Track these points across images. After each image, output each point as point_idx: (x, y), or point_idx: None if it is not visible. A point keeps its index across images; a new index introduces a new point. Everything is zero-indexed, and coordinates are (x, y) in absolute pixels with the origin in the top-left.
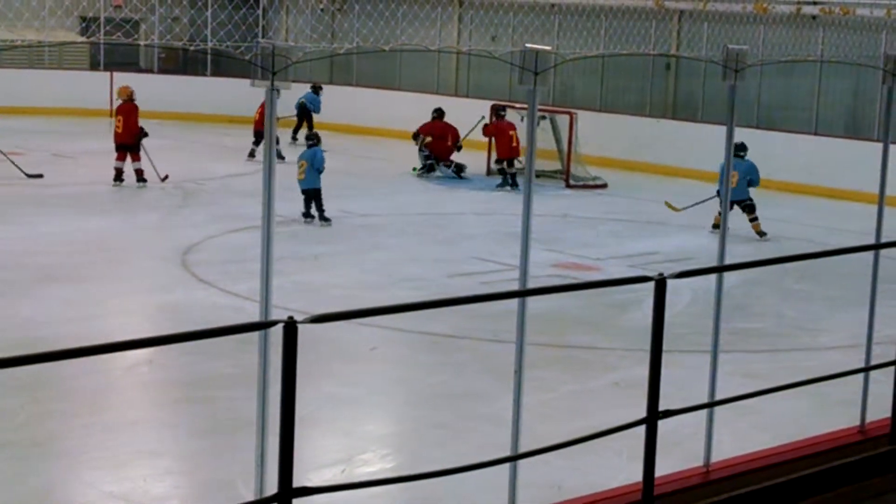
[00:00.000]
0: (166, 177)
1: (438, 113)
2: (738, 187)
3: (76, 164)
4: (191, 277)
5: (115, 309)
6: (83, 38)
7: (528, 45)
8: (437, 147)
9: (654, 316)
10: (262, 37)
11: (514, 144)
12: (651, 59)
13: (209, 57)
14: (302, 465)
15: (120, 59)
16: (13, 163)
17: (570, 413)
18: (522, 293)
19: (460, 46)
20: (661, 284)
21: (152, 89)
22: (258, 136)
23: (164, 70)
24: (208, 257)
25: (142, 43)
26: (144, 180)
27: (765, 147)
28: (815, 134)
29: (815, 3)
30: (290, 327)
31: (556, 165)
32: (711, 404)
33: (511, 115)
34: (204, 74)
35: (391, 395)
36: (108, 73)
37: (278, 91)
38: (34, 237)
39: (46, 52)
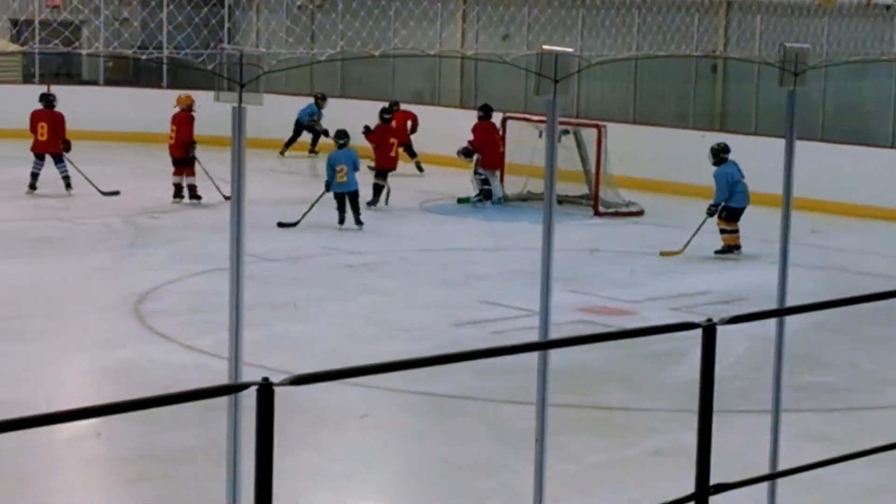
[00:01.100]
0: (229, 197)
1: (485, 111)
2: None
3: (2, 195)
4: (145, 331)
5: (53, 371)
6: (14, 46)
7: (547, 46)
8: (489, 159)
9: (702, 369)
10: (228, 42)
11: (394, 154)
12: (694, 61)
13: (164, 66)
14: None
15: (58, 69)
16: (88, 180)
17: (602, 488)
18: (543, 345)
19: (465, 50)
20: (710, 332)
21: (97, 105)
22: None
23: (110, 82)
24: (166, 306)
25: (84, 51)
26: (198, 197)
27: (832, 163)
28: (892, 147)
29: None
30: (265, 390)
31: (583, 189)
32: (773, 476)
33: (527, 130)
34: (159, 86)
35: (386, 470)
36: (44, 87)
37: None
38: None
39: None
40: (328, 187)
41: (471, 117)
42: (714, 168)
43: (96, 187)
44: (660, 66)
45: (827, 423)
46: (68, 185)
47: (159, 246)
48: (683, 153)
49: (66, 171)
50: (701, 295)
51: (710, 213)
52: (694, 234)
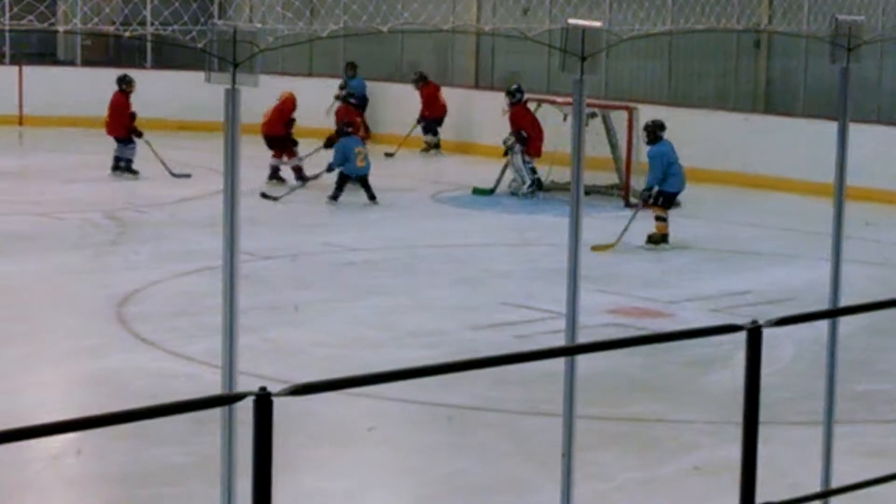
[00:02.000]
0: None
1: (522, 93)
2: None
3: None
4: (130, 336)
5: (30, 381)
6: None
7: (572, 20)
8: (535, 146)
9: (746, 377)
10: (220, 17)
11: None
12: (735, 36)
13: (149, 44)
14: None
15: (33, 49)
16: (162, 162)
17: None
18: (570, 350)
19: (481, 25)
20: (754, 335)
21: (74, 87)
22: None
23: (89, 62)
24: (152, 309)
25: (60, 28)
26: (304, 178)
27: (888, 148)
28: None
29: None
30: (263, 401)
31: (612, 178)
32: (825, 494)
33: (551, 113)
34: (142, 67)
35: (394, 489)
36: (15, 68)
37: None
38: None
39: None
40: (330, 168)
41: (487, 98)
42: (647, 147)
43: (167, 168)
44: (697, 41)
45: (883, 435)
46: (129, 170)
47: (144, 243)
48: (724, 138)
49: (131, 155)
50: (743, 294)
51: (645, 199)
52: (629, 223)
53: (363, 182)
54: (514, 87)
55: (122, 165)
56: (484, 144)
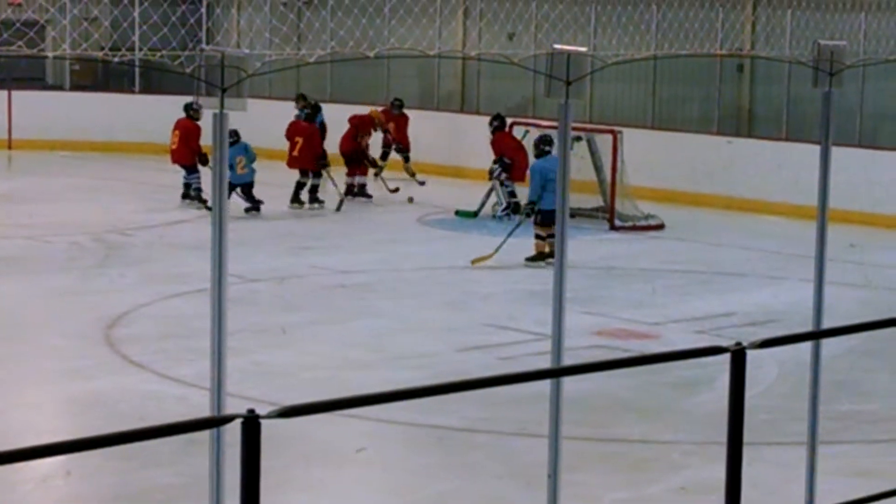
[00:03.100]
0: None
1: (501, 121)
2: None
3: None
4: (118, 359)
5: (17, 403)
6: None
7: (558, 45)
8: (519, 171)
9: (730, 398)
10: (208, 42)
11: (296, 154)
12: (718, 61)
13: (137, 69)
14: None
15: (22, 73)
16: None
17: None
18: (556, 372)
19: (467, 50)
20: (739, 356)
21: (63, 112)
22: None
23: (78, 86)
24: (141, 331)
25: (50, 54)
26: (369, 196)
27: (871, 171)
28: None
29: None
30: (251, 423)
31: (597, 201)
32: None
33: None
34: (131, 91)
35: None
36: (4, 92)
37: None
38: None
39: None
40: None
41: (473, 123)
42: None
43: (245, 199)
44: (681, 66)
45: (868, 455)
46: (199, 199)
47: (132, 266)
48: (707, 161)
49: (198, 183)
50: (728, 316)
51: (527, 214)
52: (507, 237)
53: (244, 189)
54: (496, 116)
55: (193, 194)
56: (470, 168)
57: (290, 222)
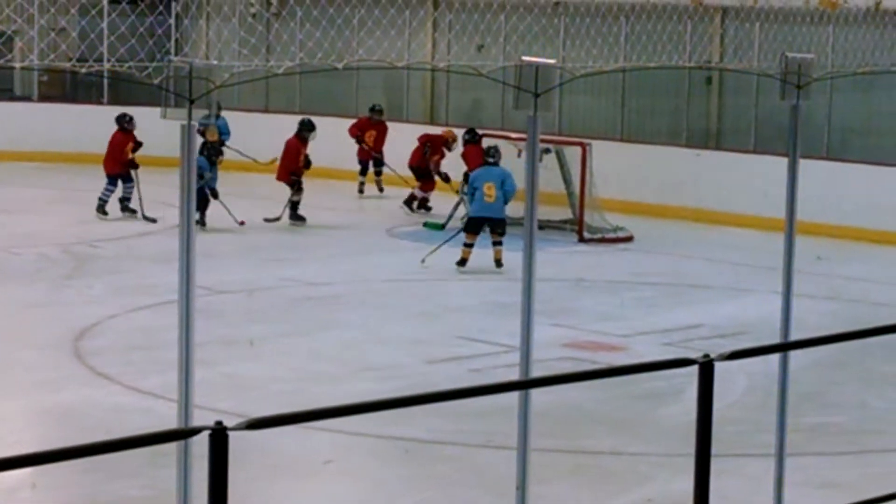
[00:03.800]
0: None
1: (472, 135)
2: (496, 203)
3: None
4: (86, 370)
5: None
6: None
7: (526, 57)
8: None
9: (698, 410)
10: (176, 53)
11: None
12: (687, 73)
13: (105, 81)
14: None
15: None
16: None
17: None
18: (525, 384)
19: (436, 61)
20: (707, 368)
21: (31, 122)
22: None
23: (46, 97)
24: (108, 343)
25: (17, 65)
26: (429, 208)
27: (838, 183)
28: None
29: None
30: (219, 435)
31: (566, 213)
32: None
33: (505, 149)
34: (99, 102)
35: None
36: None
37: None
38: None
39: None
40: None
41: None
42: (494, 168)
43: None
44: (650, 78)
45: (835, 467)
46: (128, 209)
47: (100, 277)
48: (676, 173)
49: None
50: (696, 328)
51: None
52: (454, 210)
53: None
54: (468, 130)
55: (122, 205)
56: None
57: (259, 234)
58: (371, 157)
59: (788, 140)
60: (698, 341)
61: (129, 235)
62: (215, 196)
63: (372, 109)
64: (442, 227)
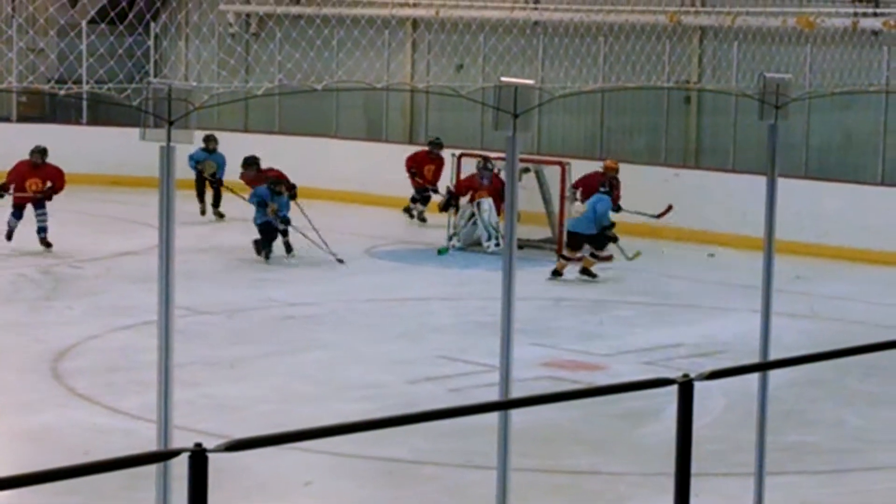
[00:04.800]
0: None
1: (434, 145)
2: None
3: None
4: (65, 392)
5: None
6: None
7: (505, 77)
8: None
9: (678, 429)
10: (155, 74)
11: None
12: (665, 93)
13: (84, 101)
14: None
15: None
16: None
17: None
18: (504, 404)
19: (415, 82)
20: (686, 388)
21: (9, 143)
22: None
23: (25, 118)
24: (88, 364)
25: None
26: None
27: (816, 203)
28: (882, 184)
29: (876, 15)
30: (198, 457)
31: (545, 232)
32: None
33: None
34: (78, 123)
35: None
36: None
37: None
38: None
39: None
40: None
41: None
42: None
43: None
44: (628, 98)
45: (813, 486)
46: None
47: (79, 298)
48: (655, 192)
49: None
50: (676, 348)
51: None
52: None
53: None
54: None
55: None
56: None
57: (241, 255)
58: (425, 187)
59: (767, 159)
60: (678, 361)
61: (109, 255)
62: (287, 223)
63: (431, 143)
64: (446, 250)
